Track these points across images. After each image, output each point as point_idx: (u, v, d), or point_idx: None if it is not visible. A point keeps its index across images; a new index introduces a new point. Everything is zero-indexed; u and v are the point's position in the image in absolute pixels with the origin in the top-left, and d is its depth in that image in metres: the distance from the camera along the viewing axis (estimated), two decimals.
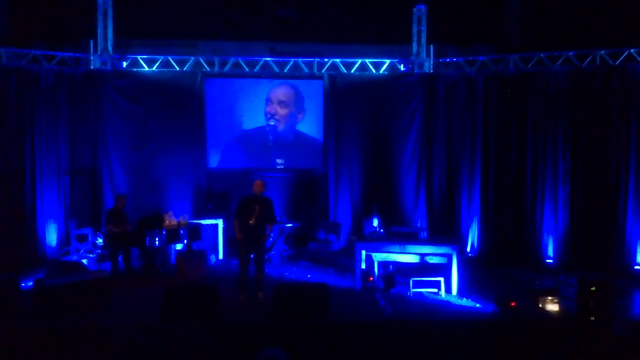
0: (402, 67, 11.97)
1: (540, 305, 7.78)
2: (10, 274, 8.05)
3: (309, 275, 9.86)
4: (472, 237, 11.23)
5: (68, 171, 11.28)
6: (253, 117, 12.17)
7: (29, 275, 9.23)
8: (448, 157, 11.60)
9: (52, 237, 10.99)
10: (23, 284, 8.43)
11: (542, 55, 10.91)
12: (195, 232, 10.57)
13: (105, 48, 11.48)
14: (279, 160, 12.18)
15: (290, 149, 12.22)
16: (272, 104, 12.16)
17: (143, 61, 11.68)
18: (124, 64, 11.65)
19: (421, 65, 11.84)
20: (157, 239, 9.99)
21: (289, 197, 12.03)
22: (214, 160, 12.11)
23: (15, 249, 10.52)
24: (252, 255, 8.18)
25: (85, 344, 6.43)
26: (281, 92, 12.24)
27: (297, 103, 12.26)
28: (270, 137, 12.13)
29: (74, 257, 10.30)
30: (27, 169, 10.78)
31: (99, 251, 10.44)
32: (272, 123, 12.12)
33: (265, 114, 12.15)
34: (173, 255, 10.45)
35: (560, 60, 10.77)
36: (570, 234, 10.52)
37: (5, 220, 10.54)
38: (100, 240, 10.61)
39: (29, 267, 9.99)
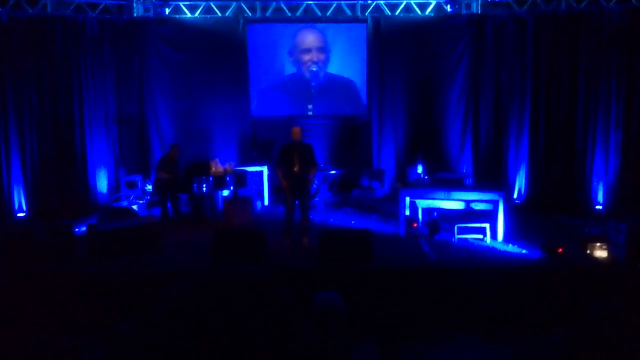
0: (448, 8, 11.63)
1: (588, 252, 7.67)
2: (65, 220, 8.36)
3: (353, 222, 9.93)
4: (520, 183, 11.05)
5: (116, 120, 11.48)
6: (298, 62, 12.10)
7: (82, 221, 9.56)
8: (496, 101, 11.31)
9: (102, 184, 11.30)
10: (77, 230, 8.73)
11: None
12: (241, 179, 10.72)
13: None
14: (321, 107, 12.12)
15: (334, 95, 12.12)
16: (312, 51, 11.99)
17: (185, 7, 11.64)
18: (167, 10, 11.65)
19: (469, 6, 11.46)
20: (204, 185, 10.18)
21: (332, 144, 12.01)
22: (257, 107, 12.13)
23: (68, 196, 10.87)
24: (297, 202, 8.28)
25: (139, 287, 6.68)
26: (315, 37, 12.05)
27: (327, 47, 12.09)
28: (313, 84, 12.04)
29: (125, 203, 10.58)
30: (76, 118, 11.01)
31: (149, 197, 10.71)
32: (314, 69, 12.01)
33: (303, 63, 11.99)
34: (220, 202, 10.67)
35: None
36: (620, 180, 10.23)
37: (58, 169, 10.89)
38: (149, 187, 10.88)
39: (82, 213, 10.35)
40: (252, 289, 1.32)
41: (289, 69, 12.10)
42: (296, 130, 8.35)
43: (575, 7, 10.58)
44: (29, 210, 10.48)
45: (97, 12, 11.13)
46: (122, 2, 11.51)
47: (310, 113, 12.07)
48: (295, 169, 8.09)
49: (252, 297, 1.30)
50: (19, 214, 10.42)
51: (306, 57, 11.99)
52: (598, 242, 7.68)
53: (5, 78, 10.30)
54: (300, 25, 11.98)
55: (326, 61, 12.05)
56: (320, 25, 11.96)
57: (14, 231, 7.97)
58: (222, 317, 1.26)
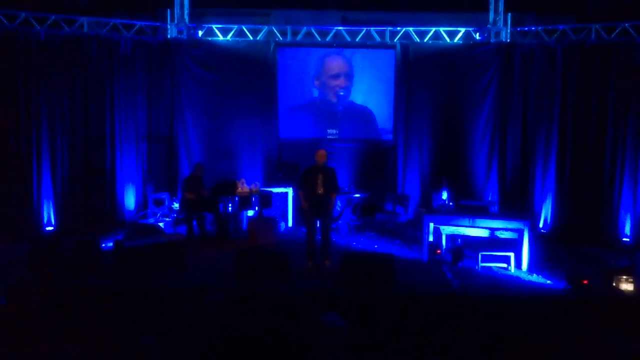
0: (477, 36, 11.64)
1: (614, 284, 7.55)
2: (92, 235, 8.51)
3: (375, 246, 9.92)
4: (546, 213, 10.93)
5: (145, 137, 11.67)
6: (325, 87, 12.22)
7: (109, 236, 9.71)
8: (523, 130, 11.26)
9: (130, 200, 11.46)
10: (104, 245, 8.86)
11: (626, 24, 10.36)
12: (266, 200, 10.81)
13: (182, 17, 11.73)
14: (346, 131, 12.19)
15: (359, 120, 12.19)
16: (340, 77, 12.11)
17: (218, 30, 11.87)
18: (200, 33, 11.88)
19: (498, 34, 11.49)
20: (230, 205, 10.29)
21: (357, 167, 12.04)
22: (284, 129, 12.24)
23: (96, 211, 11.07)
24: (318, 224, 8.32)
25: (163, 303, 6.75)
26: (343, 63, 12.14)
27: (353, 72, 12.18)
28: (340, 108, 12.14)
29: (151, 220, 10.73)
30: (107, 134, 11.24)
31: (175, 215, 10.84)
32: (342, 93, 12.12)
33: (330, 88, 12.11)
34: (245, 221, 10.77)
35: None
36: None
37: (87, 184, 11.10)
38: (176, 205, 11.03)
39: (109, 228, 10.53)
40: (276, 307, 1.36)
41: (316, 92, 12.22)
42: (321, 153, 8.42)
43: (606, 38, 10.54)
44: (57, 224, 10.68)
45: (132, 32, 11.40)
46: (157, 24, 11.78)
47: (335, 136, 12.15)
48: (319, 192, 8.16)
49: (276, 315, 1.34)
50: (47, 228, 10.62)
51: (334, 82, 12.11)
52: (625, 274, 7.57)
53: (40, 93, 10.57)
54: (328, 50, 12.11)
55: (351, 86, 12.16)
56: (348, 51, 12.07)
57: (42, 245, 8.12)
58: (243, 334, 1.30)
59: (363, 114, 12.17)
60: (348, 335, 3.69)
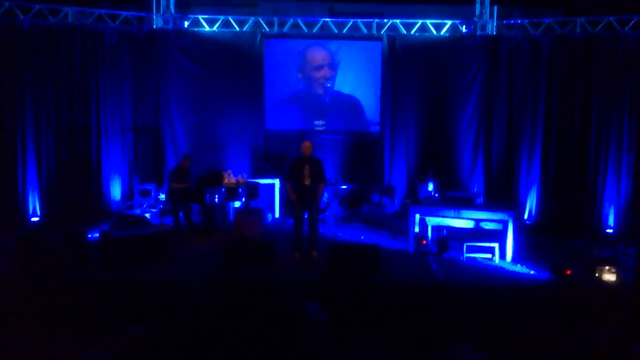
0: (464, 29, 11.71)
1: (597, 275, 7.67)
2: (78, 226, 8.47)
3: (362, 237, 9.97)
4: (530, 204, 11.05)
5: (131, 129, 11.60)
6: (310, 79, 12.22)
7: (95, 227, 9.68)
8: (509, 122, 11.35)
9: (116, 191, 11.42)
10: (90, 236, 8.83)
11: (611, 18, 10.48)
12: (253, 191, 10.82)
13: (167, 7, 11.65)
14: (333, 122, 12.20)
15: (346, 111, 12.21)
16: (324, 68, 12.11)
17: (204, 21, 11.81)
18: (186, 23, 11.81)
19: (484, 27, 11.54)
20: (216, 196, 10.28)
21: (344, 159, 12.07)
22: (271, 121, 12.23)
23: (82, 202, 10.99)
24: (306, 215, 8.35)
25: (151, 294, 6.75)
26: (327, 54, 12.13)
27: (337, 63, 12.20)
28: (327, 100, 12.16)
29: (138, 211, 10.68)
30: (92, 125, 11.17)
31: (161, 206, 10.81)
32: (328, 85, 12.13)
33: (315, 80, 12.12)
34: (232, 213, 10.77)
35: (630, 24, 10.32)
36: (632, 204, 10.24)
37: (72, 175, 11.03)
38: (162, 196, 11.00)
39: (95, 219, 10.47)
40: (260, 296, 1.38)
41: (304, 84, 12.22)
42: (306, 144, 8.43)
43: (590, 32, 10.64)
44: (42, 215, 10.61)
45: (117, 22, 11.32)
46: (142, 14, 11.71)
47: (322, 128, 12.17)
48: (305, 183, 8.18)
49: (261, 303, 1.36)
50: (32, 219, 10.55)
51: (318, 74, 12.11)
52: (607, 265, 7.69)
53: (24, 85, 10.47)
54: (313, 41, 12.10)
55: (336, 75, 12.16)
56: (334, 42, 12.07)
57: (28, 236, 8.06)
58: (231, 321, 1.32)
59: (351, 105, 12.18)
60: (329, 325, 3.73)
